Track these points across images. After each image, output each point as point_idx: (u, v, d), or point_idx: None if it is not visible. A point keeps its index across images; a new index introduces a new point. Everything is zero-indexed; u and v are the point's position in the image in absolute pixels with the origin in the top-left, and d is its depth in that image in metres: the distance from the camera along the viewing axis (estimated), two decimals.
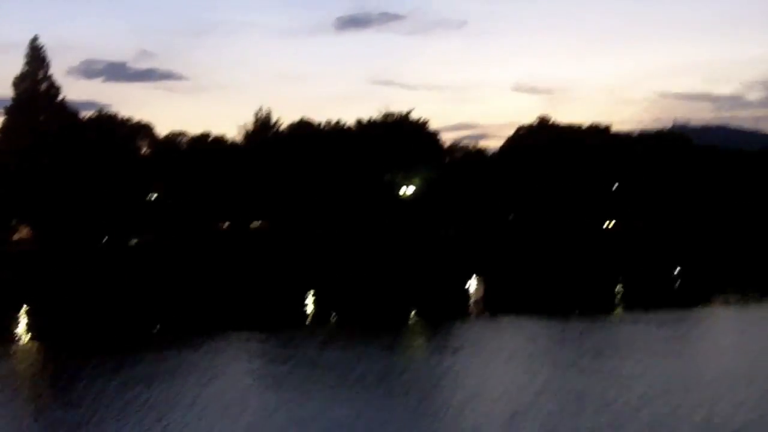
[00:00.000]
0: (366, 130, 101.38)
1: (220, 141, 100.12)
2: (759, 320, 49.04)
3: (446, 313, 56.11)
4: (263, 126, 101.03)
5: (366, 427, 25.14)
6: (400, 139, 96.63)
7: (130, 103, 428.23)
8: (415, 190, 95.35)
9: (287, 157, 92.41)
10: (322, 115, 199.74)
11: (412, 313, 58.28)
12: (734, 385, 29.59)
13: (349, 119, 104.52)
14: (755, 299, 58.34)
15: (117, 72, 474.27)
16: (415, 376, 34.05)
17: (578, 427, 24.06)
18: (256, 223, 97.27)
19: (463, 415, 26.23)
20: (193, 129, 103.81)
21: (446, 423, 25.72)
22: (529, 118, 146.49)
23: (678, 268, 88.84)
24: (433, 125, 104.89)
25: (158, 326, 51.53)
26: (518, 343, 41.77)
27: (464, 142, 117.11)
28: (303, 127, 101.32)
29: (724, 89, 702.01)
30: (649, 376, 31.40)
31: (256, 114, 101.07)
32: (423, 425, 25.54)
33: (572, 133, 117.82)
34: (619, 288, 72.96)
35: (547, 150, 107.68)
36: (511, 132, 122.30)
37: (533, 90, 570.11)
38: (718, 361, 35.59)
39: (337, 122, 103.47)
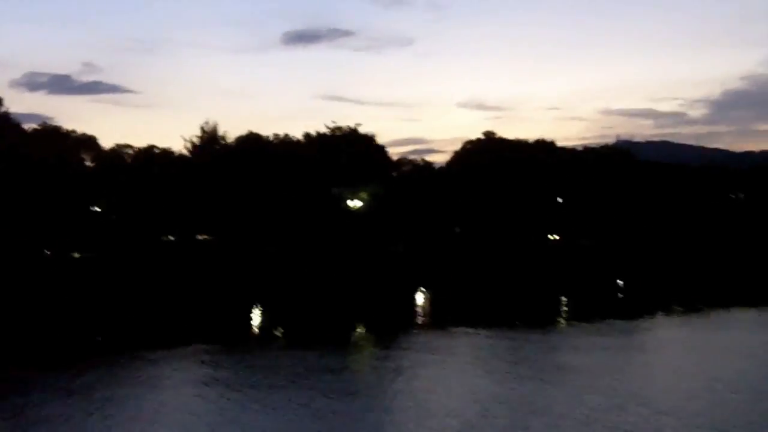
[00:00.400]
0: (314, 143, 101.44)
1: (166, 154, 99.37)
2: (700, 331, 50.01)
3: (393, 326, 56.23)
4: (210, 139, 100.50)
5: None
6: (348, 153, 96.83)
7: (75, 115, 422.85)
8: (362, 204, 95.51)
9: (234, 170, 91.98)
10: (269, 130, 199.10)
11: (359, 326, 58.36)
12: (682, 396, 30.23)
13: (297, 134, 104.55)
14: (696, 311, 59.44)
15: (61, 84, 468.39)
16: (359, 380, 34.50)
17: None
18: (202, 237, 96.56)
19: (406, 416, 26.40)
20: (139, 143, 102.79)
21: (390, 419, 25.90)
22: (476, 134, 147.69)
23: (621, 281, 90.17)
24: (381, 140, 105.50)
25: (101, 339, 50.82)
26: (463, 354, 42.09)
27: (411, 157, 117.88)
28: (250, 140, 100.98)
29: (667, 107, 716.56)
30: (596, 386, 31.83)
31: (203, 127, 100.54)
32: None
33: (518, 148, 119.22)
34: (563, 300, 73.83)
35: (494, 164, 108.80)
36: (457, 147, 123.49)
37: (480, 106, 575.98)
38: (663, 372, 36.19)
39: (285, 136, 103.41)
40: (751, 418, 26.10)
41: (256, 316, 64.62)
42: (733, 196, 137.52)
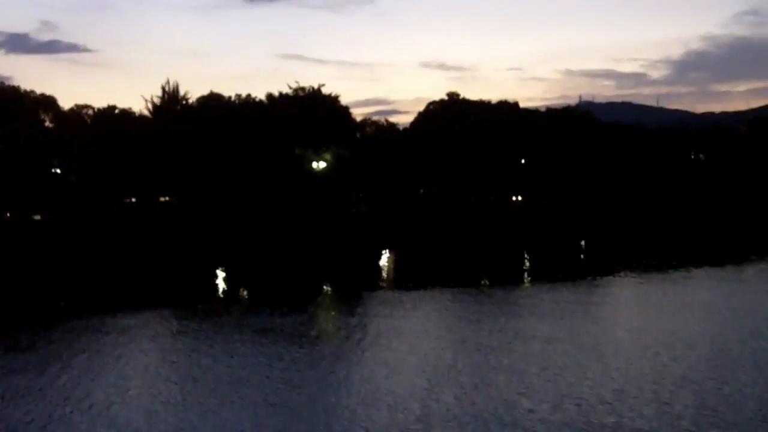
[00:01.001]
0: (277, 104, 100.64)
1: (126, 114, 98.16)
2: (661, 288, 50.80)
3: (359, 286, 56.48)
4: (171, 99, 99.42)
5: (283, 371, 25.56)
6: (311, 113, 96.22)
7: (33, 75, 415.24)
8: (326, 165, 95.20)
9: (196, 130, 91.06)
10: (231, 90, 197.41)
11: (324, 286, 58.54)
12: (640, 351, 30.80)
13: (259, 94, 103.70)
14: (656, 270, 60.33)
15: (19, 44, 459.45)
16: (327, 339, 34.83)
17: (493, 396, 24.63)
18: (164, 198, 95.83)
19: (375, 371, 26.63)
20: (98, 103, 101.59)
21: (359, 371, 26.15)
22: (439, 94, 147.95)
23: (583, 242, 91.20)
24: (344, 100, 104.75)
25: (64, 303, 50.46)
26: (428, 312, 42.46)
27: (375, 118, 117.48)
28: (212, 100, 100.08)
29: (628, 67, 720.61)
30: (558, 344, 32.33)
31: (164, 87, 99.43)
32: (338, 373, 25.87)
33: (481, 108, 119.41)
34: (526, 260, 74.56)
35: (457, 125, 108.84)
36: (421, 108, 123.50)
37: (442, 67, 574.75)
38: (623, 329, 36.81)
39: (248, 96, 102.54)
40: (710, 374, 26.70)
41: (221, 278, 64.51)
42: (694, 157, 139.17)
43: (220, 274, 66.53)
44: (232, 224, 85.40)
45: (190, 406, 24.25)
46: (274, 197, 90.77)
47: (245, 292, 56.11)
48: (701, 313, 40.18)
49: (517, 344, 32.61)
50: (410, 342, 33.76)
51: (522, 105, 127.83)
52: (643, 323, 37.89)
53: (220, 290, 58.19)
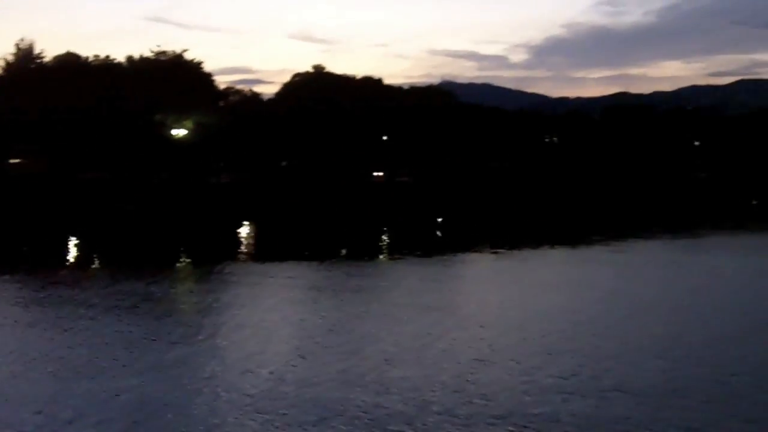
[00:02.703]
0: (137, 67, 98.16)
1: None
2: (509, 266, 52.83)
3: (216, 257, 56.22)
4: (25, 57, 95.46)
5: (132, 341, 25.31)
6: (172, 79, 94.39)
7: None
8: (187, 133, 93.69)
9: (51, 90, 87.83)
10: (90, 50, 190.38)
11: (181, 256, 57.96)
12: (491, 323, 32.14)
13: (120, 56, 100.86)
14: (507, 249, 62.57)
15: None
16: (179, 306, 34.66)
17: (360, 363, 25.24)
18: (15, 161, 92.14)
19: (227, 337, 26.84)
20: None
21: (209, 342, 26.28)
22: (305, 66, 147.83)
23: (440, 219, 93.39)
24: (207, 67, 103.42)
25: None
26: (285, 284, 42.80)
27: (239, 87, 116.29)
28: (69, 60, 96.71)
29: (490, 50, 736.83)
30: (418, 318, 33.32)
31: (18, 44, 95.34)
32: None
33: (346, 83, 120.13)
34: (385, 235, 75.86)
35: (322, 99, 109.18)
36: (286, 79, 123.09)
37: (309, 39, 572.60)
38: (460, 303, 38.20)
39: (107, 57, 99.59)
40: (569, 345, 28.15)
41: (72, 247, 62.82)
42: (548, 140, 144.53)
43: (73, 241, 64.75)
44: (88, 189, 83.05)
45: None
46: (131, 163, 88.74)
47: (96, 263, 54.88)
48: (553, 287, 42.21)
49: (380, 315, 33.41)
50: (264, 311, 34.07)
51: (386, 82, 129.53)
52: (503, 296, 39.38)
53: (72, 259, 56.70)
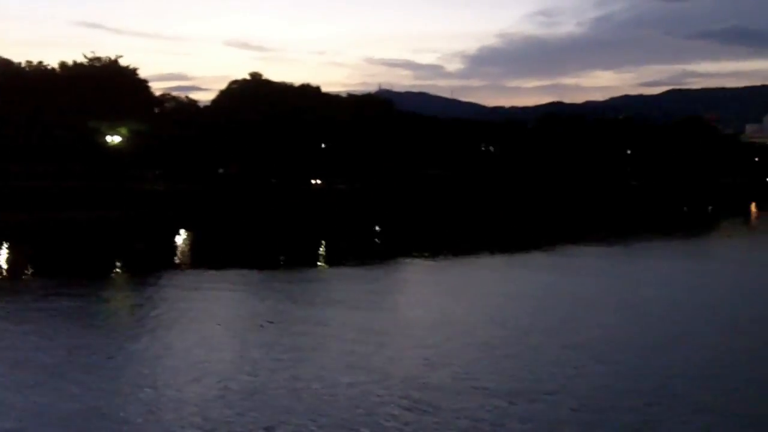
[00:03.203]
0: (71, 73, 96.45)
1: None
2: (444, 273, 53.15)
3: (151, 266, 55.47)
4: None
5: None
6: (107, 85, 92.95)
7: None
8: (122, 140, 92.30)
9: None
10: (22, 56, 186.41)
11: (117, 265, 57.05)
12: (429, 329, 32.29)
13: (53, 62, 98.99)
14: (444, 256, 62.93)
15: None
16: (115, 316, 34.13)
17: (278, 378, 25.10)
18: None
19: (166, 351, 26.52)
20: None
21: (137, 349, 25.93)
22: (242, 74, 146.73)
23: (377, 226, 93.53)
24: (142, 74, 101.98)
25: None
26: (224, 293, 42.40)
27: (175, 93, 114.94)
28: (1, 65, 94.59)
29: (426, 59, 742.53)
30: (349, 324, 33.33)
31: None
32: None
33: (284, 90, 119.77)
34: (322, 244, 75.68)
35: (260, 106, 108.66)
36: (223, 86, 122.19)
37: (246, 46, 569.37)
38: (403, 310, 38.32)
39: (39, 63, 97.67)
40: (506, 350, 28.41)
41: (2, 255, 61.42)
42: (484, 149, 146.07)
43: (3, 249, 63.28)
44: (18, 196, 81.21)
45: None
46: (65, 171, 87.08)
47: (30, 270, 53.67)
48: (493, 293, 42.60)
49: (314, 329, 33.30)
50: (205, 321, 33.73)
51: (324, 89, 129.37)
52: (443, 302, 39.53)
53: (3, 269, 55.37)
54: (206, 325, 33.02)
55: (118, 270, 55.20)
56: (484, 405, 21.83)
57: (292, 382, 23.91)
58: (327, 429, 19.81)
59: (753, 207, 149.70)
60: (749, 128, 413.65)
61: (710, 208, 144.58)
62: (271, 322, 33.64)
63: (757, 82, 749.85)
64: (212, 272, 51.62)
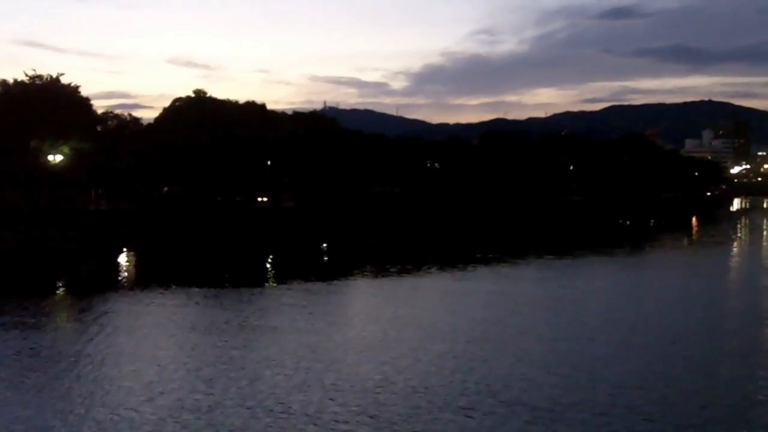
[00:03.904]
0: (11, 92, 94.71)
1: None
2: (392, 290, 53.39)
3: (94, 286, 54.74)
4: None
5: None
6: (49, 104, 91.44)
7: None
8: (64, 159, 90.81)
9: None
10: None
11: (59, 286, 56.17)
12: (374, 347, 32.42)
13: None
14: (392, 273, 63.11)
15: None
16: (60, 336, 33.58)
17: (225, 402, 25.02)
18: None
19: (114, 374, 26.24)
20: None
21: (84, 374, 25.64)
22: (185, 91, 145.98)
23: (324, 245, 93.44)
24: (84, 92, 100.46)
25: None
26: (170, 312, 42.01)
27: (118, 111, 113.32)
28: None
29: (371, 77, 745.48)
30: (313, 342, 33.35)
31: None
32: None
33: (228, 108, 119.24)
34: (270, 262, 75.38)
35: (204, 123, 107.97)
36: (166, 104, 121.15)
37: (189, 64, 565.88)
38: (354, 327, 38.44)
39: None
40: (471, 360, 28.66)
41: None
42: (430, 165, 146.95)
43: None
44: None
45: None
46: (5, 192, 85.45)
47: None
48: (441, 308, 42.99)
49: (259, 344, 33.23)
50: (154, 340, 33.43)
51: (269, 107, 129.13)
52: (395, 318, 39.70)
53: None
54: (158, 344, 32.75)
55: (59, 291, 54.33)
56: (440, 419, 22.05)
57: (247, 400, 23.86)
58: None
59: (694, 221, 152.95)
60: (689, 143, 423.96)
61: (652, 222, 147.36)
62: (226, 341, 33.50)
63: (697, 98, 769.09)
64: (156, 292, 50.98)
